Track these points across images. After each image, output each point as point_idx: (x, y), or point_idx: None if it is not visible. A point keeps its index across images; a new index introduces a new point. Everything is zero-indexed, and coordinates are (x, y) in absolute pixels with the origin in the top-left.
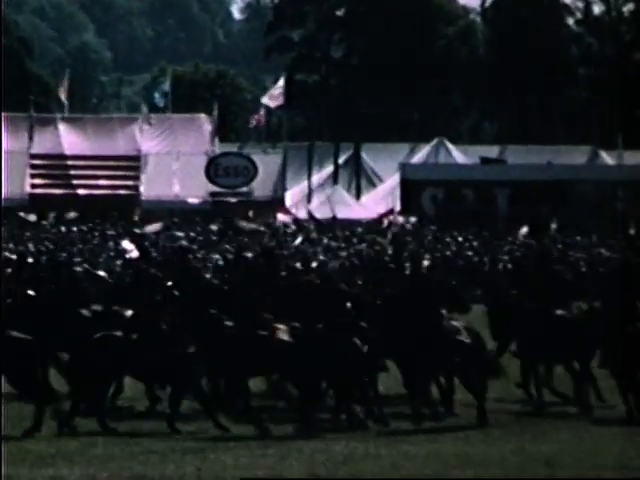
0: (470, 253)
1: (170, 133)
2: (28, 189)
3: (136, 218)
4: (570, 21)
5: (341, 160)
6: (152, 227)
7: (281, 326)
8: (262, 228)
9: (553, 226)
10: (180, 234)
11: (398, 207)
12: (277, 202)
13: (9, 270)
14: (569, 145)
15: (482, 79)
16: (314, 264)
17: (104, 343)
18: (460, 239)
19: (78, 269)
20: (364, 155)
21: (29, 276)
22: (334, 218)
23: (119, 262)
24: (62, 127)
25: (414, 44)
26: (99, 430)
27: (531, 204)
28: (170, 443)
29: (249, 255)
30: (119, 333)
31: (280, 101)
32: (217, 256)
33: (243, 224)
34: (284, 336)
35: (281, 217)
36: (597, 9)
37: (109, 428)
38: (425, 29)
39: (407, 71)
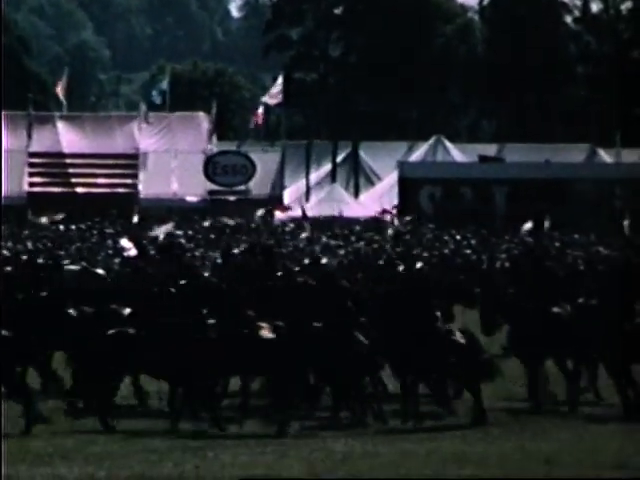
0: (468, 251)
1: (168, 131)
2: (26, 187)
3: (135, 219)
4: (568, 19)
5: (339, 158)
6: (164, 228)
7: (264, 324)
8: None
9: (546, 224)
10: (179, 232)
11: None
12: (275, 200)
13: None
14: (567, 143)
15: (480, 77)
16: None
17: (117, 340)
18: (458, 237)
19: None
20: (362, 153)
21: (20, 275)
22: (334, 217)
23: (117, 260)
24: (61, 125)
25: (412, 42)
26: (98, 428)
27: (529, 202)
28: (169, 441)
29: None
30: (131, 331)
31: (279, 99)
32: (216, 254)
33: (225, 220)
34: (267, 335)
35: (279, 215)
36: (595, 7)
37: (110, 427)
38: (423, 27)
39: (405, 69)
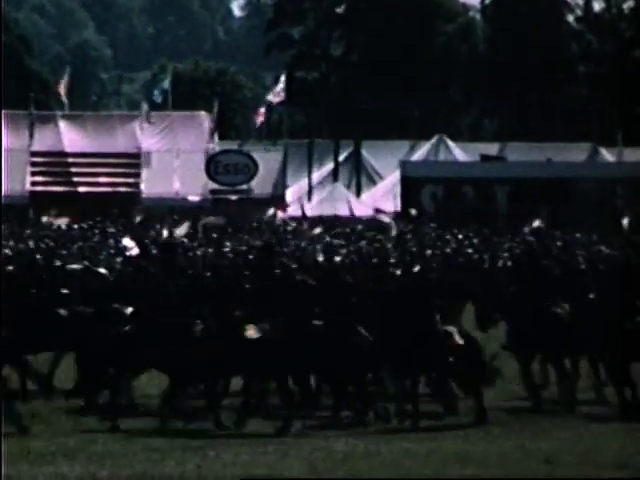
0: (470, 250)
1: (170, 130)
2: (28, 186)
3: (137, 219)
4: (570, 18)
5: (341, 157)
6: (180, 230)
7: (250, 325)
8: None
9: (537, 223)
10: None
11: (397, 205)
12: (277, 199)
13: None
14: (569, 142)
15: (482, 76)
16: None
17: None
18: (460, 236)
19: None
20: (364, 152)
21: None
22: (336, 216)
23: (119, 259)
24: (62, 124)
25: (414, 41)
26: (99, 428)
27: (531, 201)
28: (170, 441)
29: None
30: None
31: (282, 97)
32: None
33: (211, 219)
34: (253, 335)
35: (281, 214)
36: (597, 6)
37: (115, 426)
38: (425, 26)
39: (407, 68)
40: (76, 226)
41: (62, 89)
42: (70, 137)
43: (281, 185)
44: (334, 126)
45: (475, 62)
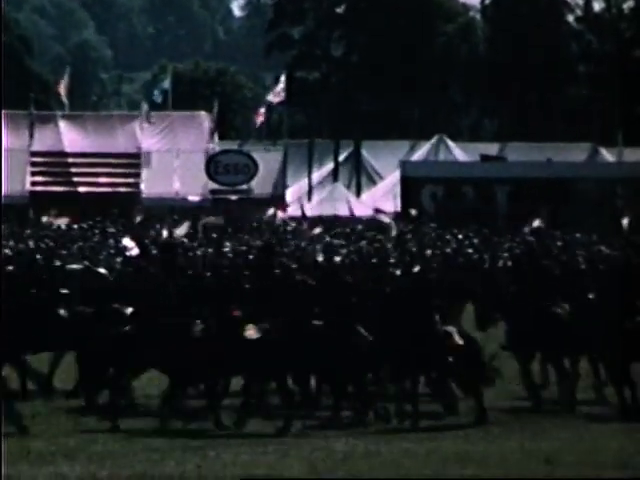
0: (470, 250)
1: (170, 131)
2: (28, 187)
3: (138, 219)
4: (570, 18)
5: (341, 157)
6: (181, 230)
7: (250, 325)
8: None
9: (537, 223)
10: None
11: (397, 205)
12: (277, 199)
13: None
14: (569, 142)
15: (482, 76)
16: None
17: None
18: (460, 236)
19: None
20: (364, 152)
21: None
22: (335, 215)
23: (119, 259)
24: (62, 124)
25: (414, 41)
26: (99, 428)
27: (531, 201)
28: (170, 441)
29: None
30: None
31: (282, 97)
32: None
33: (211, 219)
34: (253, 335)
35: (280, 214)
36: (597, 6)
37: (114, 426)
38: (425, 26)
39: (407, 68)
40: (76, 226)
41: (62, 89)
42: (70, 137)
43: (281, 185)
44: (334, 126)
45: (475, 62)
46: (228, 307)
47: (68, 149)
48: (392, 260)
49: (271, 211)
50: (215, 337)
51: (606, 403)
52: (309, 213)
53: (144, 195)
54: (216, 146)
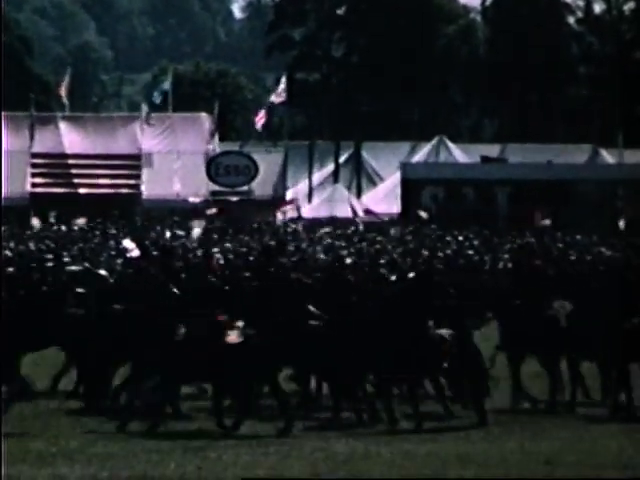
0: (471, 252)
1: (171, 132)
2: (29, 188)
3: (139, 221)
4: (571, 20)
5: (342, 159)
6: (195, 231)
7: (233, 330)
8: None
9: (547, 222)
10: (181, 232)
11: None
12: (278, 201)
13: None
14: (569, 144)
15: (482, 77)
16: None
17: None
18: (460, 238)
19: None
20: (365, 154)
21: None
22: (332, 217)
23: (120, 261)
24: (63, 126)
25: (415, 43)
26: (99, 429)
27: (532, 203)
28: (171, 442)
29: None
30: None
31: (283, 97)
32: (218, 255)
33: (195, 224)
34: (235, 340)
35: (280, 216)
36: (598, 8)
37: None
38: (425, 28)
39: (408, 70)
40: (76, 227)
41: (63, 90)
42: (71, 138)
43: (281, 187)
44: (335, 127)
45: (475, 63)
46: (213, 311)
47: (68, 150)
48: (383, 261)
49: (280, 212)
50: (198, 341)
51: (606, 404)
52: (310, 214)
53: (144, 197)
54: (217, 147)
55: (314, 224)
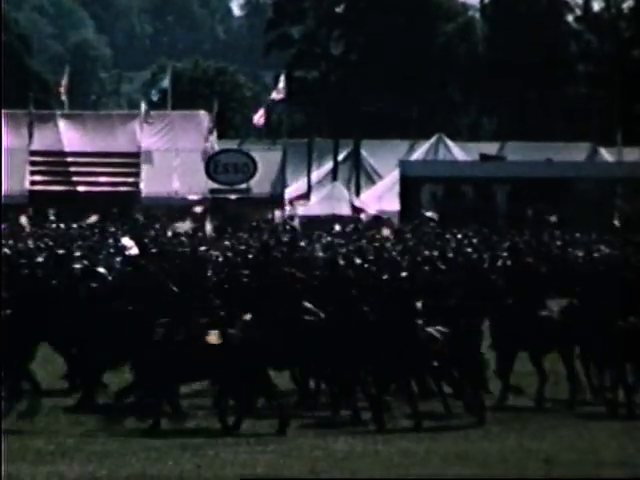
0: (469, 250)
1: (170, 130)
2: (28, 186)
3: (140, 218)
4: (569, 18)
5: (340, 157)
6: (185, 225)
7: (214, 330)
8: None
9: (553, 218)
10: (180, 230)
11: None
12: (276, 199)
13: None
14: (568, 142)
15: (481, 75)
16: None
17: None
18: (459, 236)
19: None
20: (363, 152)
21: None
22: (334, 215)
23: (119, 259)
24: (62, 124)
25: (413, 41)
26: (98, 427)
27: (530, 201)
28: (169, 440)
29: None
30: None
31: (283, 94)
32: (216, 253)
33: (178, 225)
34: (215, 341)
35: (279, 214)
36: (596, 6)
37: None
38: (424, 26)
39: (406, 68)
40: (75, 225)
41: (62, 88)
42: (69, 136)
43: (280, 184)
44: (333, 125)
45: (474, 61)
46: (195, 312)
47: (67, 148)
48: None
49: (287, 210)
50: (178, 342)
51: (605, 403)
52: (309, 212)
53: (143, 194)
54: (215, 145)
55: (312, 221)
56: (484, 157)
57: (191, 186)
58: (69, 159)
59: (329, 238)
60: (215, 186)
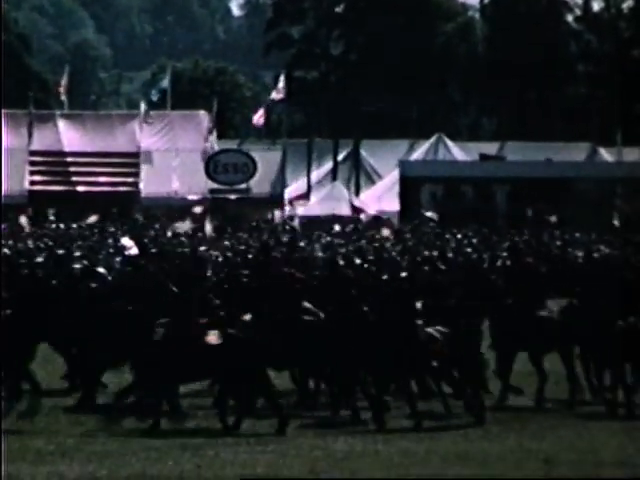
0: (469, 250)
1: (169, 130)
2: (27, 186)
3: (140, 218)
4: (569, 18)
5: (340, 157)
6: (185, 225)
7: (214, 331)
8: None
9: (553, 218)
10: (180, 230)
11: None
12: (276, 199)
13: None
14: (568, 142)
15: (481, 75)
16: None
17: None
18: (459, 236)
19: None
20: (363, 152)
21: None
22: (334, 215)
23: (119, 259)
24: (61, 124)
25: (413, 41)
26: (98, 427)
27: (530, 201)
28: (169, 440)
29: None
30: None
31: (282, 94)
32: (216, 253)
33: (177, 225)
34: (214, 341)
35: (279, 214)
36: (596, 6)
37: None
38: (424, 26)
39: (406, 68)
40: (75, 225)
41: (61, 88)
42: (69, 136)
43: (280, 184)
44: (333, 125)
45: (474, 61)
46: (197, 313)
47: (67, 148)
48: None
49: (287, 210)
50: (178, 342)
51: (605, 403)
52: (308, 213)
53: (143, 194)
54: (215, 145)
55: (312, 222)
56: (484, 157)
57: (191, 186)
58: (69, 159)
59: (329, 238)
60: (215, 186)
